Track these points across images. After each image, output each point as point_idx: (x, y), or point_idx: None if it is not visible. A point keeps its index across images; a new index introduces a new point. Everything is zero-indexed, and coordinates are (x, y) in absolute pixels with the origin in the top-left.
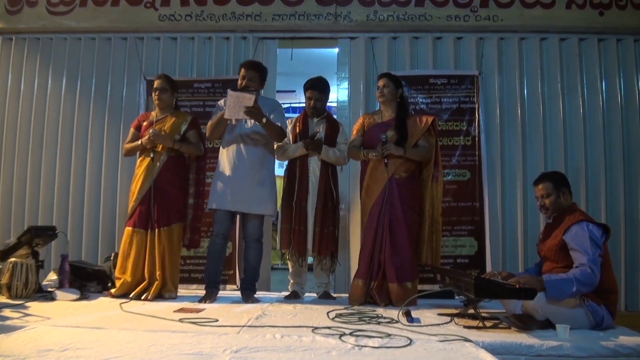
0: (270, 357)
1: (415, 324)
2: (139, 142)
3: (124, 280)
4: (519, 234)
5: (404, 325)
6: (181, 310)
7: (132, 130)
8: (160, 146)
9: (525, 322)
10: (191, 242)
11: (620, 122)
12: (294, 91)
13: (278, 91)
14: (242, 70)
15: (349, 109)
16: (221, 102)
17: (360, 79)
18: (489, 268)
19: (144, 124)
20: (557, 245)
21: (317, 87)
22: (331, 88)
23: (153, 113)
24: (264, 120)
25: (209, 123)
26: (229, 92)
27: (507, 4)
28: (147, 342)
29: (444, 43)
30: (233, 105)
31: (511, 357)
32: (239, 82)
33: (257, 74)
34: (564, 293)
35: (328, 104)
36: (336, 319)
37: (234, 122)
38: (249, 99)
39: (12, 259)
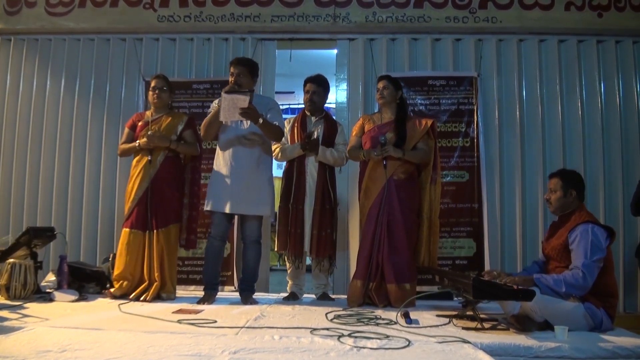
0: (268, 359)
1: (413, 325)
2: (135, 143)
3: (122, 282)
4: (518, 235)
5: (403, 326)
6: (180, 311)
7: (126, 130)
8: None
9: (523, 324)
10: (187, 242)
11: (618, 124)
12: (293, 92)
13: (277, 92)
14: (231, 67)
15: (347, 110)
16: (215, 103)
17: (359, 80)
18: (487, 269)
19: (139, 124)
20: (562, 244)
21: (315, 80)
22: (330, 89)
23: (148, 113)
24: (260, 120)
25: (203, 122)
26: (223, 94)
27: (505, 6)
28: (145, 343)
29: (443, 44)
30: (228, 108)
31: (509, 358)
32: (230, 80)
33: (246, 68)
34: (554, 293)
35: (327, 105)
36: (335, 320)
37: (229, 123)
38: (243, 100)
39: (11, 260)
